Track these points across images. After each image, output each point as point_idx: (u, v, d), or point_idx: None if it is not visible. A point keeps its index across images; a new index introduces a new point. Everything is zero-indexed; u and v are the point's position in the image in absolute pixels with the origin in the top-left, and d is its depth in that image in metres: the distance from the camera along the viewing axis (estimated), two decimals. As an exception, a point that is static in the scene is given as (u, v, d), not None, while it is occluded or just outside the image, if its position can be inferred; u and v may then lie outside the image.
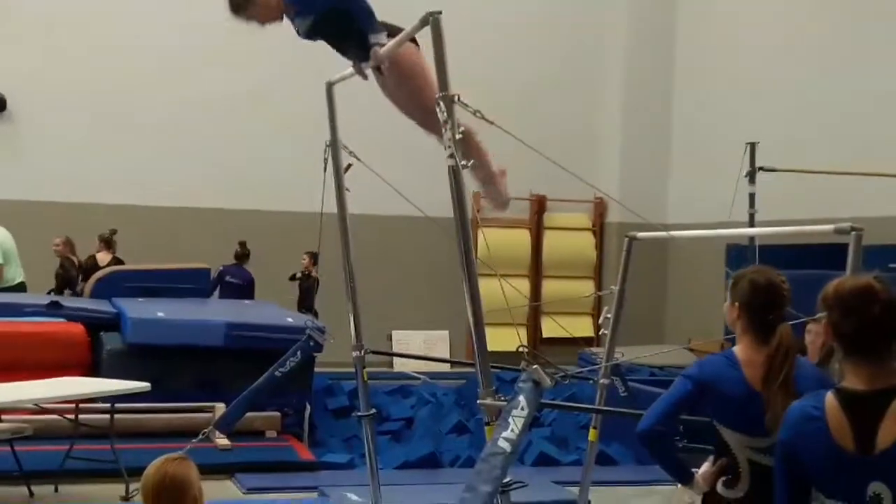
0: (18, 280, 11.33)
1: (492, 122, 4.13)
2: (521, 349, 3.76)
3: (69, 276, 11.83)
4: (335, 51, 5.23)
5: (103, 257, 12.17)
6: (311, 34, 5.08)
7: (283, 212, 13.70)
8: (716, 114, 14.25)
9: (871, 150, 11.42)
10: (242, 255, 12.81)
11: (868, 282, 2.65)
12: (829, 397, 2.63)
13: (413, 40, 4.94)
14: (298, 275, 13.07)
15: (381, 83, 5.28)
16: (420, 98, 5.05)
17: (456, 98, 4.16)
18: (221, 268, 12.59)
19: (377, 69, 5.05)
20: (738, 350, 3.49)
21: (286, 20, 5.16)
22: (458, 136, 3.98)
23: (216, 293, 12.48)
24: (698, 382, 3.46)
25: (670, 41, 15.32)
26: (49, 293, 11.37)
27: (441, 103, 4.16)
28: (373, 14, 4.86)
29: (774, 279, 3.49)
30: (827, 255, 6.03)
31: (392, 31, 4.87)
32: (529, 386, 3.56)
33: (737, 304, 3.50)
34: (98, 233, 12.32)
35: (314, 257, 12.49)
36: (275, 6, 5.01)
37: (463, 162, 4.05)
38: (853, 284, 2.66)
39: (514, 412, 3.50)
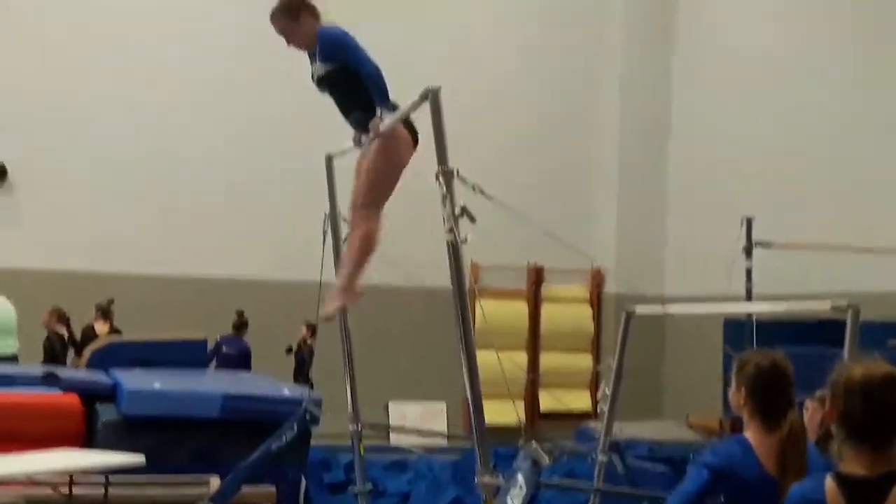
0: (10, 352, 11.27)
1: (491, 198, 4.17)
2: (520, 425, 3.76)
3: (53, 350, 11.71)
4: (339, 111, 5.35)
5: (101, 327, 12.09)
6: (322, 83, 5.27)
7: (282, 281, 13.69)
8: (713, 183, 14.33)
9: (871, 223, 11.47)
10: (241, 324, 12.76)
11: (891, 370, 2.64)
12: (829, 482, 2.61)
13: (415, 140, 5.08)
14: (294, 347, 13.01)
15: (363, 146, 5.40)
16: (367, 182, 5.20)
17: (455, 173, 4.21)
18: (219, 338, 12.54)
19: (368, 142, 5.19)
20: (749, 435, 3.48)
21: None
22: (457, 213, 4.02)
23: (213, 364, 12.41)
24: (714, 470, 3.43)
25: (666, 110, 15.44)
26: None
27: (440, 178, 4.21)
28: (383, 89, 5.00)
29: (780, 363, 3.50)
30: (825, 330, 6.03)
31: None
32: (528, 465, 3.55)
33: (743, 389, 3.50)
34: (97, 302, 12.28)
35: (312, 328, 12.45)
36: (311, 37, 5.17)
37: (462, 237, 4.08)
38: (882, 372, 2.64)
39: (513, 491, 3.49)
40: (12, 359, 11.21)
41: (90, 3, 13.76)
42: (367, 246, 5.26)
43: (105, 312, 12.19)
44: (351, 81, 5.14)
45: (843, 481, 2.59)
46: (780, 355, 3.53)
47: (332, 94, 5.31)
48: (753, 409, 3.47)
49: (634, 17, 15.42)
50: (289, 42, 5.32)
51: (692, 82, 15.13)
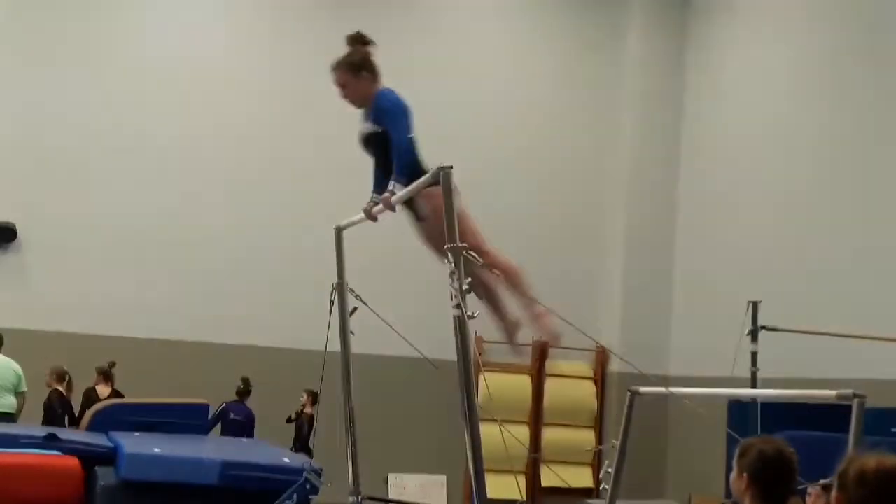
0: (5, 411, 11.26)
1: (498, 275, 4.21)
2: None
3: (51, 408, 11.68)
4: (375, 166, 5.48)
5: (102, 390, 12.07)
6: (366, 142, 5.49)
7: (285, 349, 13.69)
8: (718, 266, 14.35)
9: (877, 310, 11.45)
10: (245, 391, 12.74)
11: None
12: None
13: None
14: (293, 416, 12.97)
15: (419, 230, 5.47)
16: (452, 228, 5.23)
17: (464, 250, 4.26)
18: (224, 404, 12.50)
19: (417, 218, 5.28)
20: None
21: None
22: (465, 288, 4.06)
23: (217, 429, 12.36)
24: None
25: (673, 190, 15.53)
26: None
27: (449, 254, 4.25)
28: (404, 164, 5.10)
29: (784, 450, 3.47)
30: (830, 415, 6.01)
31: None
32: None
33: (745, 475, 3.47)
34: (103, 364, 12.26)
35: (313, 396, 12.40)
36: (366, 96, 5.41)
37: (469, 313, 4.11)
38: (895, 464, 2.62)
39: (513, 569, 3.47)
40: (9, 417, 11.21)
41: (105, 66, 13.94)
42: (517, 272, 5.23)
43: (107, 375, 12.18)
44: (386, 147, 5.32)
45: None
46: (784, 443, 3.50)
47: (373, 153, 5.49)
48: (754, 496, 3.44)
49: (642, 107, 15.63)
50: (344, 95, 5.52)
51: (699, 165, 15.25)
